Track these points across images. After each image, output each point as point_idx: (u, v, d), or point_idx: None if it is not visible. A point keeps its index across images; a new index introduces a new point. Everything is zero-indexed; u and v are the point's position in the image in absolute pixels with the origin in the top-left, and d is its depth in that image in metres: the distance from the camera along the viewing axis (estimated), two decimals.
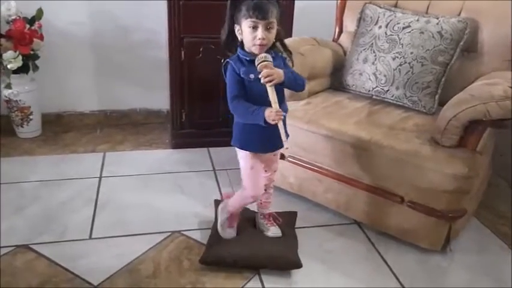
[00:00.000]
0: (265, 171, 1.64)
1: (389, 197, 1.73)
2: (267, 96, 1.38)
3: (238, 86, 1.44)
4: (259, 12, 1.35)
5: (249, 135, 1.51)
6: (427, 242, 1.71)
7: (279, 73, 1.38)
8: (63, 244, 1.70)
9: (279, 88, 1.42)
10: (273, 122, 1.35)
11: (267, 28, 1.37)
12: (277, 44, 1.48)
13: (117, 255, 1.65)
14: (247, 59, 1.43)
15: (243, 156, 1.56)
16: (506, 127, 1.59)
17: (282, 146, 1.42)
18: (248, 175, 1.57)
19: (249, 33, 1.38)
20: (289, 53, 1.51)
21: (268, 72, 1.35)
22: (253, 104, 1.42)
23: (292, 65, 1.53)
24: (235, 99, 1.45)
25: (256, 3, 1.36)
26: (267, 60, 1.36)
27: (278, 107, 1.36)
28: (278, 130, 1.36)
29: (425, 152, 1.61)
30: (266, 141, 1.49)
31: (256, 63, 1.37)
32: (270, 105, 1.37)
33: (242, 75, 1.43)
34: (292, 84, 1.48)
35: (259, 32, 1.37)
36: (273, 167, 1.67)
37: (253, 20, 1.36)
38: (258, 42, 1.37)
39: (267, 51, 1.41)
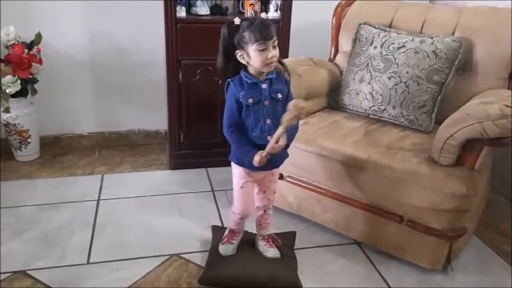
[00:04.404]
0: (264, 191, 1.65)
1: (388, 217, 1.72)
2: (263, 121, 1.45)
3: (235, 112, 1.47)
4: (266, 33, 1.38)
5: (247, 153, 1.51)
6: (428, 262, 1.70)
7: (282, 145, 1.44)
8: (61, 269, 1.68)
9: (276, 113, 1.46)
10: (256, 165, 1.44)
11: (274, 46, 1.41)
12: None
13: (115, 280, 1.63)
14: (249, 81, 1.45)
15: (235, 174, 1.60)
16: (504, 145, 1.59)
17: (277, 166, 1.51)
18: (237, 193, 1.62)
19: (258, 55, 1.40)
20: (287, 70, 1.53)
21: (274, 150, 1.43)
22: (248, 128, 1.47)
23: (289, 83, 1.55)
24: (231, 127, 1.49)
25: (260, 25, 1.39)
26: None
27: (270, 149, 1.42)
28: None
29: (423, 172, 1.61)
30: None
31: (292, 112, 1.37)
32: (266, 129, 1.44)
33: (241, 99, 1.45)
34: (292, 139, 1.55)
35: (270, 52, 1.40)
36: (272, 187, 1.66)
37: (262, 41, 1.38)
38: (273, 60, 1.41)
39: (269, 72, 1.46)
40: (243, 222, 1.72)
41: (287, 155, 1.59)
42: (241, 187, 1.59)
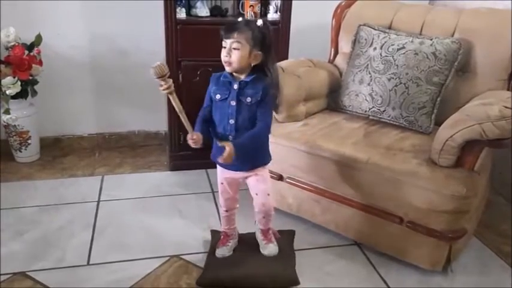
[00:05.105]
0: (256, 194, 1.64)
1: (388, 218, 1.72)
2: (227, 120, 1.49)
3: (207, 102, 1.56)
4: (225, 32, 1.43)
5: (216, 149, 1.56)
6: (428, 263, 1.70)
7: (230, 155, 1.42)
8: (61, 270, 1.69)
9: (241, 115, 1.49)
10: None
11: (233, 48, 1.42)
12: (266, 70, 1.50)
13: (115, 281, 1.63)
14: (223, 79, 1.50)
15: (217, 171, 1.66)
16: (503, 147, 1.59)
17: (244, 169, 1.57)
18: (219, 188, 1.70)
19: (222, 51, 1.46)
20: (277, 81, 1.52)
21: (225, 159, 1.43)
22: (216, 122, 1.53)
23: (278, 92, 1.54)
24: (201, 110, 1.57)
25: (228, 24, 1.45)
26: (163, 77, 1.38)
27: (191, 130, 1.48)
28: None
29: (423, 173, 1.61)
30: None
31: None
32: (228, 128, 1.50)
33: (211, 94, 1.52)
34: (251, 149, 1.51)
35: (223, 50, 1.44)
36: (261, 188, 1.62)
37: (222, 39, 1.44)
38: (224, 60, 1.45)
39: (247, 75, 1.48)
40: (230, 217, 1.74)
41: (260, 161, 1.60)
42: (222, 183, 1.66)
